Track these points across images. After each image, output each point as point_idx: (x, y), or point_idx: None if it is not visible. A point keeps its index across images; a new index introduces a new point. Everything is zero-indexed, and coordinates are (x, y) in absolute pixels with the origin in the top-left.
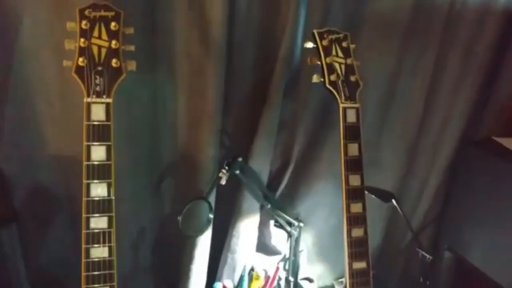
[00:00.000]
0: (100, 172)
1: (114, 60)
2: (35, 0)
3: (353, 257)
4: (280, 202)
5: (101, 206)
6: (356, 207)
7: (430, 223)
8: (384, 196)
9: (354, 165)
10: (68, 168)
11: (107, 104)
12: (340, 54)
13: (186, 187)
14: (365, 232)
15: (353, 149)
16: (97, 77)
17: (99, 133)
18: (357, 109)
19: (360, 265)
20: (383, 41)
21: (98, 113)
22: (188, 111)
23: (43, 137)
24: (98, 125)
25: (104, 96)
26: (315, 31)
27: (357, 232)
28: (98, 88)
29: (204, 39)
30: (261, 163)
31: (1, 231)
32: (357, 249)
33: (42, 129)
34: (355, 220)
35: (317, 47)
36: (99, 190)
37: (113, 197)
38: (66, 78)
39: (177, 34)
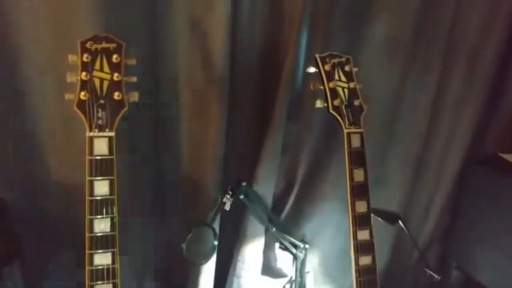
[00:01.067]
0: (104, 207)
1: (116, 93)
2: (37, 30)
3: (361, 286)
4: (285, 224)
5: (104, 242)
6: (363, 234)
7: (437, 241)
8: (390, 218)
9: (360, 191)
10: (72, 198)
11: (110, 138)
12: (343, 78)
13: (191, 213)
14: (373, 260)
15: (359, 175)
16: (99, 110)
17: (102, 167)
18: (361, 134)
19: None
20: (386, 60)
21: (100, 148)
22: (191, 137)
23: (46, 167)
24: (101, 159)
25: (107, 130)
26: (317, 55)
27: (365, 260)
28: (100, 122)
29: (206, 65)
30: (266, 186)
31: (2, 269)
32: (365, 277)
33: (45, 159)
34: (362, 248)
35: (320, 72)
36: (102, 225)
37: (117, 232)
38: (68, 109)
39: (179, 61)
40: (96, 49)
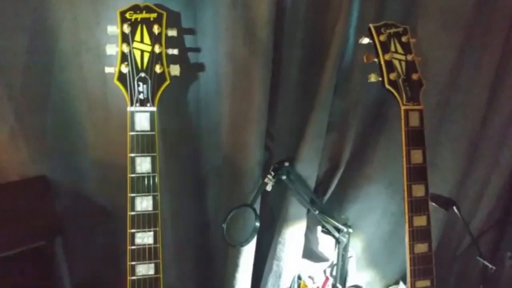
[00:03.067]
0: (146, 185)
1: (158, 66)
2: (74, 3)
3: (416, 275)
4: (328, 207)
5: (146, 221)
6: (420, 220)
7: (490, 230)
8: (444, 203)
9: (417, 174)
10: (112, 176)
11: (152, 113)
12: (399, 50)
13: (231, 193)
14: (430, 248)
15: (417, 156)
16: (140, 84)
17: (144, 143)
18: (420, 111)
19: (423, 284)
20: (444, 34)
21: (142, 123)
22: (232, 114)
23: (86, 144)
24: (143, 135)
25: (148, 105)
26: (371, 25)
27: (421, 248)
28: (141, 96)
29: (249, 39)
30: (309, 167)
31: (46, 244)
32: (421, 266)
33: (85, 136)
34: (418, 235)
35: (374, 43)
36: (144, 204)
37: (159, 211)
38: (108, 84)
39: (221, 34)
40: (136, 19)
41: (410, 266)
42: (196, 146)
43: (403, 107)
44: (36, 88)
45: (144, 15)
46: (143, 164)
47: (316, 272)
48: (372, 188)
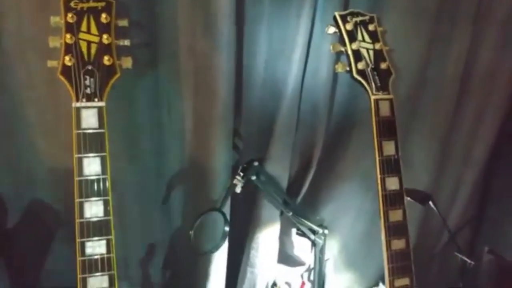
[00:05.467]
0: (95, 188)
1: (106, 57)
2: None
3: (394, 273)
4: (302, 208)
5: (97, 228)
6: (396, 215)
7: (466, 225)
8: (420, 198)
9: (391, 166)
10: (65, 183)
11: (100, 109)
12: (367, 38)
13: (198, 198)
14: (407, 244)
15: (389, 147)
16: (87, 77)
17: (92, 142)
18: (391, 100)
19: (402, 282)
20: (410, 26)
21: (89, 120)
22: (195, 112)
23: (36, 149)
24: (90, 133)
25: (96, 100)
26: (336, 13)
27: (398, 244)
28: (88, 91)
29: (210, 30)
30: (280, 167)
31: None
32: (399, 263)
33: (34, 140)
34: (395, 230)
35: (340, 32)
36: (94, 209)
37: (111, 217)
38: (54, 81)
39: (180, 26)
40: (82, 8)
41: (388, 263)
42: (157, 147)
43: (372, 97)
44: None
45: (91, 4)
46: (92, 166)
47: (293, 277)
48: (346, 186)
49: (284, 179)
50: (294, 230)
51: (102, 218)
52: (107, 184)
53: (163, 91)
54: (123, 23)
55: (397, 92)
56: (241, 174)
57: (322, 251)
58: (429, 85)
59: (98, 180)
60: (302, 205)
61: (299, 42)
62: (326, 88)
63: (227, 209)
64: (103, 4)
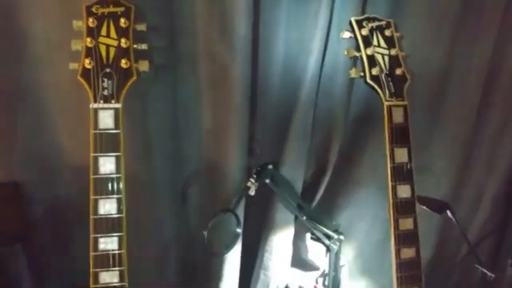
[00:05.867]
0: (109, 186)
1: (123, 61)
2: (42, 1)
3: (403, 282)
4: (316, 213)
5: (110, 225)
6: (406, 223)
7: (488, 235)
8: (437, 206)
9: (402, 173)
10: (85, 180)
11: (116, 110)
12: (382, 44)
13: (213, 199)
14: (418, 253)
15: (402, 154)
16: (105, 80)
17: (108, 142)
18: (405, 107)
19: None
20: (432, 31)
21: (105, 120)
22: (212, 116)
23: (58, 147)
24: (107, 133)
25: (113, 101)
26: (352, 19)
27: (408, 253)
28: (106, 92)
29: (226, 36)
30: (294, 171)
31: (5, 251)
32: (408, 273)
33: (57, 138)
34: (405, 239)
35: (355, 37)
36: (107, 206)
37: (124, 214)
38: (77, 83)
39: (198, 31)
40: (102, 13)
41: (397, 272)
42: (174, 149)
43: (386, 103)
44: (5, 88)
45: (111, 9)
46: (107, 165)
47: (307, 282)
48: (363, 193)
49: (299, 184)
50: (308, 235)
51: (115, 216)
52: (121, 183)
53: (182, 94)
54: (141, 27)
55: (419, 98)
56: (255, 177)
57: (337, 257)
58: (452, 91)
59: (112, 179)
60: (317, 210)
61: (316, 46)
62: (343, 93)
63: (241, 211)
64: (122, 9)
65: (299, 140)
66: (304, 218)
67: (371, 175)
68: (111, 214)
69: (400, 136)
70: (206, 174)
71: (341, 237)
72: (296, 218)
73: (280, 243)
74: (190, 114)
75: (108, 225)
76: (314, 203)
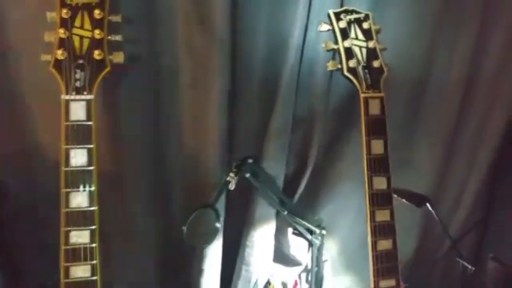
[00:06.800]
0: (80, 179)
1: (97, 52)
2: None
3: (380, 274)
4: (299, 208)
5: (81, 218)
6: (383, 215)
7: (471, 230)
8: (416, 199)
9: (379, 165)
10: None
11: (88, 102)
12: (360, 36)
13: (193, 193)
14: (394, 245)
15: (378, 146)
16: (78, 71)
17: (79, 134)
18: (381, 98)
19: (388, 283)
20: (414, 24)
21: (77, 112)
22: (191, 109)
23: (32, 141)
24: (78, 125)
25: (85, 93)
26: (330, 11)
27: (384, 245)
28: (78, 84)
29: (206, 27)
30: (275, 165)
31: None
32: (384, 264)
33: (30, 132)
34: (381, 230)
35: (333, 30)
36: (79, 199)
37: (96, 207)
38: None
39: (178, 23)
40: (76, 4)
41: (374, 264)
42: (153, 142)
43: (362, 95)
44: None
45: (86, 0)
46: (78, 157)
47: (290, 277)
48: (346, 187)
49: (280, 178)
50: (290, 230)
51: (87, 209)
52: (93, 175)
53: (162, 87)
54: (117, 19)
55: (400, 91)
56: (235, 171)
57: (319, 251)
58: (433, 84)
59: (84, 171)
60: (299, 205)
61: (294, 39)
62: (322, 86)
63: (221, 206)
64: (97, 0)
65: (280, 134)
66: (286, 212)
67: (353, 169)
68: (82, 207)
69: (377, 128)
70: (187, 168)
71: (324, 231)
72: (277, 213)
73: (261, 238)
74: (170, 107)
75: (79, 219)
76: (296, 198)
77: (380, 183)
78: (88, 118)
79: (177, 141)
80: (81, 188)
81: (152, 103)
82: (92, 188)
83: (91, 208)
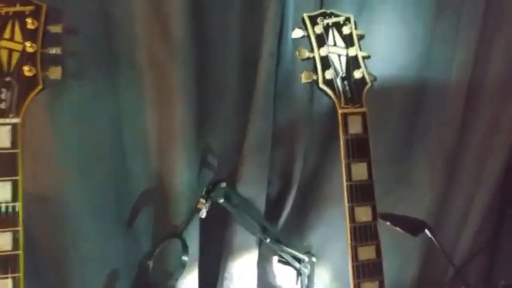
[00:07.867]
0: (3, 217)
1: (26, 68)
2: None
3: None
4: (284, 233)
5: (2, 264)
6: (367, 252)
7: (477, 254)
8: (413, 226)
9: (361, 193)
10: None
11: (14, 126)
12: (339, 43)
13: (161, 222)
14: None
15: (360, 170)
16: (3, 90)
17: (2, 165)
18: (363, 114)
19: None
20: (408, 24)
21: (1, 139)
22: (157, 127)
23: None
24: (1, 154)
25: (11, 116)
26: (305, 14)
27: None
28: (3, 105)
29: (165, 36)
30: (254, 188)
31: None
32: None
33: None
34: (365, 271)
35: (308, 36)
36: (1, 241)
37: (22, 251)
38: None
39: (135, 32)
40: (7, 13)
41: None
42: (117, 166)
43: (340, 111)
44: None
45: (18, 8)
46: (1, 191)
47: None
48: (337, 209)
49: (261, 201)
50: (275, 258)
51: (10, 252)
52: (19, 212)
53: (124, 105)
54: (56, 29)
55: (395, 104)
56: (205, 196)
57: (310, 280)
58: (431, 92)
59: (7, 208)
60: (285, 229)
61: (267, 46)
62: (303, 98)
63: (195, 235)
64: (31, 8)
65: (258, 152)
66: (268, 240)
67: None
68: (5, 251)
69: (358, 149)
70: (154, 194)
71: (313, 259)
72: (261, 240)
73: (241, 269)
74: (134, 125)
75: (0, 264)
76: (282, 221)
77: (364, 214)
78: (14, 145)
79: (144, 162)
80: (3, 228)
81: (113, 124)
82: (18, 228)
83: (15, 252)
